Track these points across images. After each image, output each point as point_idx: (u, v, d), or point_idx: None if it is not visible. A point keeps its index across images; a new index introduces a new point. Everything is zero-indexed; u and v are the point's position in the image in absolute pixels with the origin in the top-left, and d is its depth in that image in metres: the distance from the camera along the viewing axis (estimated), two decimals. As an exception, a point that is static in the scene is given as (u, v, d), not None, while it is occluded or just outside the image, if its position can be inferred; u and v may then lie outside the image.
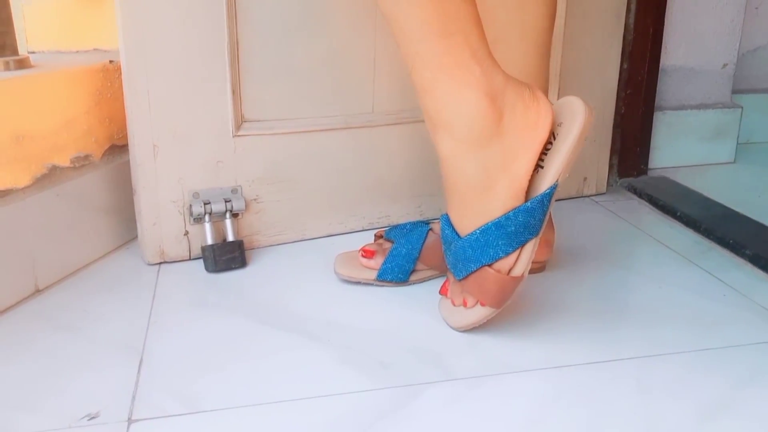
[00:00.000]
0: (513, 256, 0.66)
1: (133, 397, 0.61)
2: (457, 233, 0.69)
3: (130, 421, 0.58)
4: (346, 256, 0.84)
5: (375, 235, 0.87)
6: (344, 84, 0.91)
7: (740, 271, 0.86)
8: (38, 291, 0.79)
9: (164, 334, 0.71)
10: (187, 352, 0.68)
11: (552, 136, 0.67)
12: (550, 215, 0.76)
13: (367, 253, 0.81)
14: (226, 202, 0.86)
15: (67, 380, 0.63)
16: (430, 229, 0.81)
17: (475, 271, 0.67)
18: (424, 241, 0.80)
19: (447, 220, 0.70)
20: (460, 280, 0.69)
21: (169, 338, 0.70)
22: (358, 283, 0.81)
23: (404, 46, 0.63)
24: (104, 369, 0.65)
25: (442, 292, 0.75)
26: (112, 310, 0.76)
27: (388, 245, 0.83)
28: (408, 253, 0.80)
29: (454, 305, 0.72)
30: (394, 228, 0.85)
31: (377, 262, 0.81)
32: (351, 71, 0.91)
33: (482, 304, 0.69)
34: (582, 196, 1.13)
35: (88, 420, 0.58)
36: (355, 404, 0.60)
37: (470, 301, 0.70)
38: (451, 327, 0.72)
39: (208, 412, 0.59)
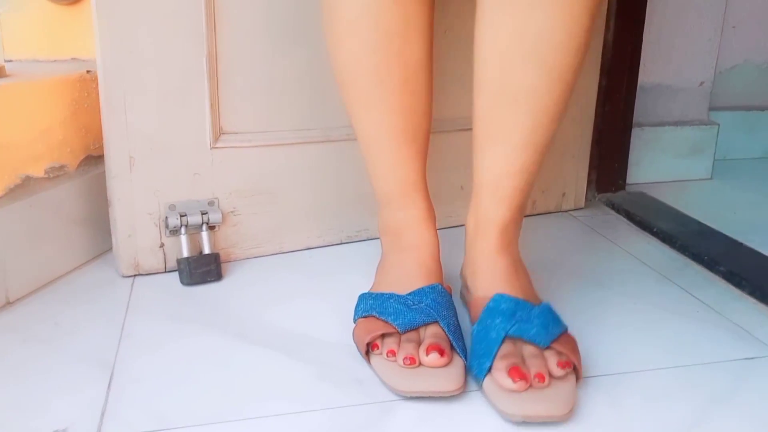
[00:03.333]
0: None
1: (103, 413, 0.60)
2: (526, 302, 0.66)
3: (98, 437, 0.57)
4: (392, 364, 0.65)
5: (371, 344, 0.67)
6: (324, 97, 0.91)
7: (714, 287, 0.86)
8: (9, 303, 0.78)
9: (137, 348, 0.70)
10: (160, 366, 0.67)
11: None
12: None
13: (443, 353, 0.63)
14: (202, 214, 0.86)
15: (36, 395, 0.62)
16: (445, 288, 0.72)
17: (564, 331, 0.66)
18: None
19: (504, 297, 0.66)
20: (547, 347, 0.63)
21: (142, 352, 0.70)
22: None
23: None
24: (74, 384, 0.64)
25: (514, 375, 0.59)
26: (84, 323, 0.75)
27: (432, 332, 0.66)
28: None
29: (527, 384, 0.60)
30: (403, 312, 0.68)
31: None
32: (331, 84, 0.90)
33: (569, 366, 0.62)
34: (560, 211, 1.13)
35: (56, 436, 0.57)
36: (330, 420, 0.60)
37: (555, 369, 0.61)
38: (551, 418, 0.59)
39: (179, 428, 0.58)
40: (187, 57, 0.81)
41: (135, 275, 0.86)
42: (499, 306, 0.66)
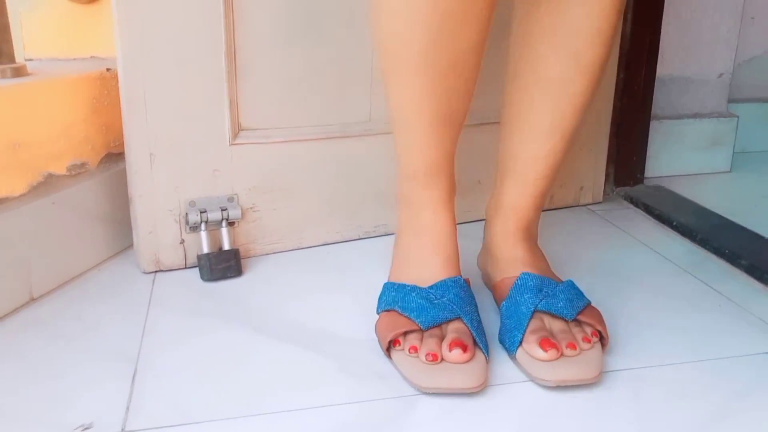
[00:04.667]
0: None
1: (127, 408, 0.60)
2: (551, 279, 0.71)
3: (123, 431, 0.58)
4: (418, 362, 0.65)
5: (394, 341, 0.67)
6: (342, 92, 0.91)
7: (736, 281, 0.86)
8: (33, 299, 0.79)
9: (159, 344, 0.71)
10: (182, 361, 0.68)
11: None
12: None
13: (466, 349, 0.64)
14: (222, 210, 0.86)
15: (61, 390, 0.63)
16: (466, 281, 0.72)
17: (588, 304, 0.70)
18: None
19: (530, 275, 0.71)
20: (573, 319, 0.67)
21: (164, 347, 0.70)
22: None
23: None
24: (98, 378, 0.65)
25: (546, 345, 0.63)
26: (107, 318, 0.76)
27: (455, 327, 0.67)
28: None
29: (558, 353, 0.63)
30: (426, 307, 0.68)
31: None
32: (348, 80, 0.91)
33: (595, 335, 0.67)
34: (578, 205, 1.13)
35: (82, 430, 0.58)
36: (351, 415, 0.60)
37: (582, 342, 0.65)
38: (582, 381, 0.63)
39: (203, 422, 0.59)
40: (206, 54, 0.82)
41: (156, 271, 0.87)
42: (526, 283, 0.70)
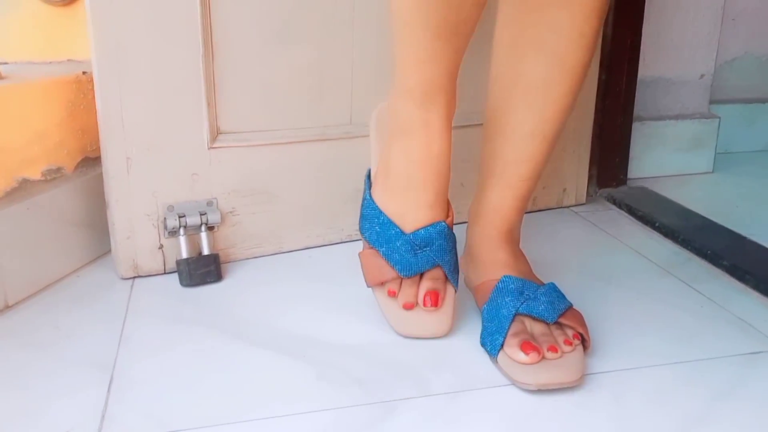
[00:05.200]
0: None
1: (103, 417, 0.59)
2: (532, 282, 0.71)
3: (98, 441, 0.57)
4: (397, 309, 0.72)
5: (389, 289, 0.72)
6: (321, 95, 0.90)
7: (717, 281, 0.86)
8: (7, 307, 0.78)
9: (136, 351, 0.70)
10: (160, 369, 0.67)
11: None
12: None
13: (437, 302, 0.71)
14: (201, 215, 0.85)
15: (36, 399, 0.62)
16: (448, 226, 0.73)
17: (569, 307, 0.69)
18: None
19: (511, 278, 0.70)
20: (554, 322, 0.67)
21: (142, 355, 0.69)
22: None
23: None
24: (74, 387, 0.64)
25: (527, 349, 0.63)
26: (84, 326, 0.74)
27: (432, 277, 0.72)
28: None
29: (540, 356, 0.63)
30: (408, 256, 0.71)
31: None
32: (328, 82, 0.90)
33: (577, 338, 0.66)
34: (561, 207, 1.13)
35: (56, 441, 0.56)
36: (331, 422, 0.59)
37: (563, 345, 0.65)
38: (563, 384, 0.63)
39: (180, 431, 0.58)
40: (183, 57, 0.81)
41: (134, 277, 0.86)
42: (507, 286, 0.70)
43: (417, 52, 0.66)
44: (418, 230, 0.71)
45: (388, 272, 0.71)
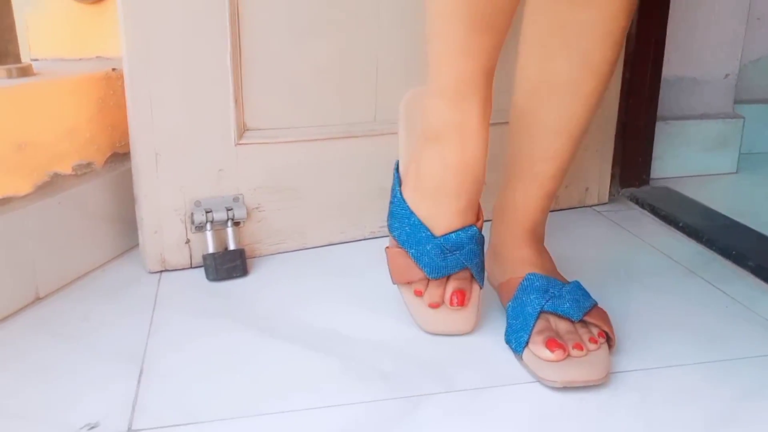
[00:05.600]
0: None
1: (133, 408, 0.60)
2: (557, 280, 0.71)
3: (130, 431, 0.58)
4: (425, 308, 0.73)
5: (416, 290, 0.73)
6: (347, 92, 0.91)
7: (742, 282, 0.85)
8: (39, 299, 0.79)
9: (165, 343, 0.71)
10: (188, 361, 0.68)
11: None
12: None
13: (463, 301, 0.72)
14: (227, 210, 0.86)
15: (67, 389, 0.63)
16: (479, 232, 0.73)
17: (594, 305, 0.69)
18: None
19: (536, 275, 0.71)
20: (579, 320, 0.67)
21: (170, 347, 0.70)
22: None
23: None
24: (104, 378, 0.65)
25: (552, 346, 0.64)
26: (113, 318, 0.76)
27: (460, 279, 0.72)
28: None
29: (565, 353, 0.64)
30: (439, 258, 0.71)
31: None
32: (353, 79, 0.91)
33: (602, 336, 0.67)
34: (584, 206, 1.13)
35: (88, 430, 0.58)
36: (356, 416, 0.60)
37: (588, 343, 0.65)
38: (589, 382, 0.63)
39: (208, 422, 0.59)
40: (211, 54, 0.82)
41: (161, 271, 0.87)
42: (532, 283, 0.70)
43: (451, 46, 0.64)
44: (449, 234, 0.70)
45: (416, 273, 0.71)
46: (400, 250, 0.72)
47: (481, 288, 0.73)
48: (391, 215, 0.74)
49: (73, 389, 0.63)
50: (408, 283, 0.72)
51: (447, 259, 0.70)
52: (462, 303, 0.71)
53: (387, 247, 0.75)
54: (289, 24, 0.85)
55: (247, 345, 0.71)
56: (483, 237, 0.73)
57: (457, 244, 0.70)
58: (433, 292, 0.72)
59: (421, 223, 0.71)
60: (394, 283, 0.74)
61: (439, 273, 0.70)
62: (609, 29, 0.67)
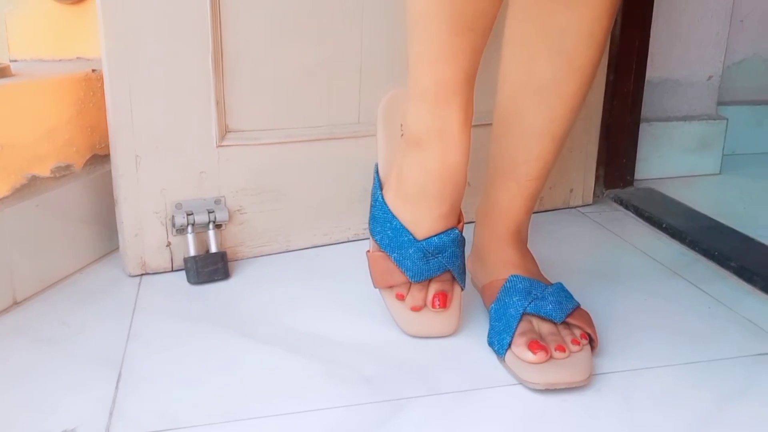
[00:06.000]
0: None
1: (111, 413, 0.60)
2: (540, 282, 0.71)
3: (107, 437, 0.57)
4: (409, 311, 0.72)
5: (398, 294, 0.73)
6: (330, 94, 0.90)
7: (725, 283, 0.85)
8: (16, 303, 0.78)
9: (144, 348, 0.70)
10: (168, 366, 0.67)
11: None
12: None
13: (445, 303, 0.71)
14: (209, 212, 0.85)
15: (44, 395, 0.62)
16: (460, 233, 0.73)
17: (577, 307, 0.69)
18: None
19: (519, 277, 0.71)
20: (562, 322, 0.67)
21: (149, 352, 0.69)
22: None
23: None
24: (82, 383, 0.64)
25: (534, 348, 0.63)
26: (92, 322, 0.75)
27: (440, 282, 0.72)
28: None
29: (547, 355, 0.63)
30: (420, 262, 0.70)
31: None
32: (337, 81, 0.90)
33: (585, 337, 0.66)
34: (568, 208, 1.13)
35: (65, 436, 0.57)
36: (338, 419, 0.59)
37: (571, 345, 0.65)
38: (572, 384, 0.62)
39: (188, 428, 0.58)
40: (193, 55, 0.81)
41: (142, 274, 0.86)
42: (515, 285, 0.70)
43: (432, 48, 0.63)
44: (431, 238, 0.70)
45: (398, 277, 0.71)
46: (381, 254, 0.72)
47: (462, 290, 0.73)
48: (373, 219, 0.73)
49: (50, 394, 0.62)
50: (390, 287, 0.72)
51: (429, 263, 0.70)
52: (444, 305, 0.71)
53: (368, 251, 0.74)
54: (271, 25, 0.85)
55: (229, 349, 0.70)
56: (464, 239, 0.73)
57: (440, 248, 0.70)
58: (416, 295, 0.71)
59: (403, 227, 0.70)
60: (375, 287, 0.74)
61: (421, 276, 0.70)
62: (591, 30, 0.67)
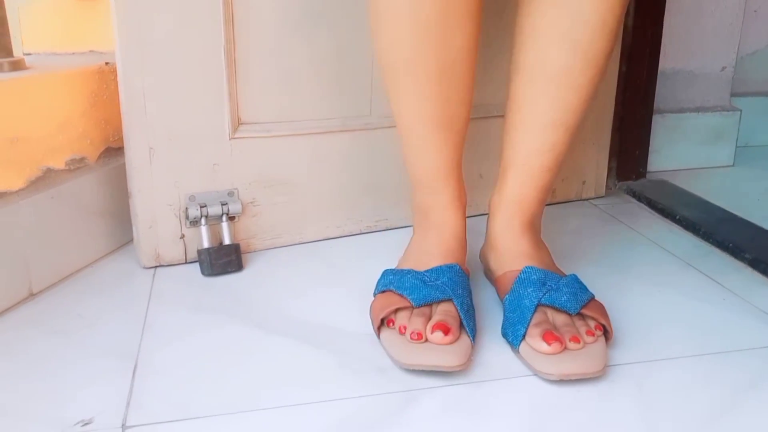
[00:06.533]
0: None
1: (127, 403, 0.60)
2: (554, 273, 0.71)
3: (124, 427, 0.57)
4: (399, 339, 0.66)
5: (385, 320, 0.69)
6: (342, 86, 0.90)
7: (740, 274, 0.85)
8: (32, 295, 0.78)
9: (159, 339, 0.70)
10: (182, 357, 0.67)
11: None
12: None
13: (447, 332, 0.64)
14: (222, 205, 0.86)
15: (61, 385, 0.63)
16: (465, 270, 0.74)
17: (592, 298, 0.69)
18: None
19: (534, 268, 0.70)
20: (577, 313, 0.67)
21: (164, 343, 0.70)
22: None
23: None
24: (98, 374, 0.64)
25: (549, 339, 0.63)
26: (107, 314, 0.75)
27: (444, 309, 0.68)
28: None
29: (562, 346, 0.63)
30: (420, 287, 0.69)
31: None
32: (348, 73, 0.90)
33: (599, 329, 0.66)
34: (581, 200, 1.12)
35: (82, 426, 0.57)
36: (352, 410, 0.60)
37: (585, 336, 0.64)
38: (586, 375, 0.62)
39: (203, 418, 0.58)
40: (205, 47, 0.81)
41: (156, 266, 0.86)
42: (530, 276, 0.69)
43: (419, 145, 0.72)
44: (430, 268, 0.71)
45: (398, 301, 0.68)
46: (382, 293, 0.71)
47: (472, 344, 0.66)
48: (377, 284, 0.73)
49: (67, 385, 0.63)
50: (391, 322, 0.67)
51: (428, 286, 0.68)
52: (446, 333, 0.63)
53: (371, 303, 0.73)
54: (283, 17, 0.85)
55: (243, 340, 0.70)
56: (467, 277, 0.72)
57: (438, 274, 0.70)
58: (416, 321, 0.66)
59: (403, 269, 0.72)
60: (376, 329, 0.69)
61: (421, 297, 0.67)
62: (604, 19, 0.67)
